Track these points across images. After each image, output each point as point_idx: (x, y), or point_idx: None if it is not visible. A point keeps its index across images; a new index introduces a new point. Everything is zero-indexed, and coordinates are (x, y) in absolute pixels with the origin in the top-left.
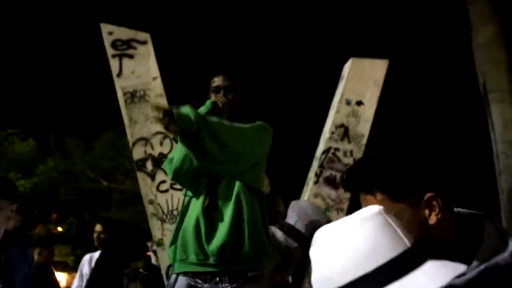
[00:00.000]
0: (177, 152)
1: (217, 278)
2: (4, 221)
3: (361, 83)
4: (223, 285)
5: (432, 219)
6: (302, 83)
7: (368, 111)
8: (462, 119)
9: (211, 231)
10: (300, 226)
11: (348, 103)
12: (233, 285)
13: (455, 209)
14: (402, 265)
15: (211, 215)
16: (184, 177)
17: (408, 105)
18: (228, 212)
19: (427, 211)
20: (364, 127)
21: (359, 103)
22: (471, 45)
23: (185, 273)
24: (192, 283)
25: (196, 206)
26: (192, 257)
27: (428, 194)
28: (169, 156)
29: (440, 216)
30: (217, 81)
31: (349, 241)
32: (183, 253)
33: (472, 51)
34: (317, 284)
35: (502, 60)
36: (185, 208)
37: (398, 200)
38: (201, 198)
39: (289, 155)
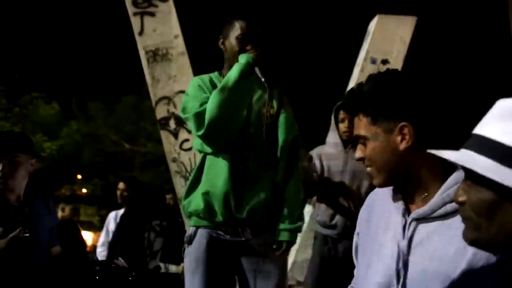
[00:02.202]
0: (215, 106)
1: (239, 229)
2: (25, 175)
3: (387, 41)
4: (245, 235)
5: (402, 145)
6: (327, 40)
7: None
8: (492, 80)
9: (243, 200)
10: None
11: (373, 61)
12: (255, 235)
13: None
14: None
15: (244, 182)
16: (219, 136)
17: (435, 64)
18: (266, 183)
19: (399, 138)
20: None
21: (385, 61)
22: (504, 1)
23: (206, 226)
24: (214, 234)
25: (221, 168)
26: (219, 218)
27: (401, 123)
28: (188, 105)
29: (410, 145)
30: (251, 29)
31: None
32: (207, 213)
33: (505, 5)
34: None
35: None
36: (202, 166)
37: (376, 123)
38: (226, 160)
39: (313, 113)
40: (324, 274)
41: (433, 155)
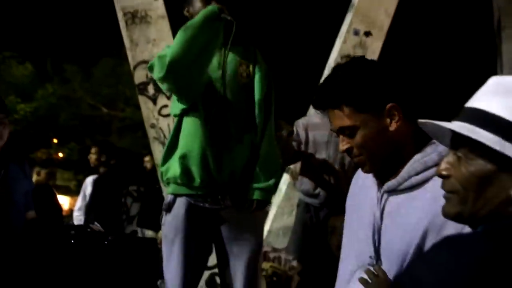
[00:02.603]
0: (176, 44)
1: (219, 196)
2: (2, 135)
3: (371, 12)
4: (225, 202)
5: (392, 126)
6: (309, 11)
7: (376, 43)
8: (473, 56)
9: (223, 161)
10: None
11: (356, 33)
12: (234, 204)
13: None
14: None
15: (223, 143)
16: (180, 75)
17: (416, 38)
18: (245, 145)
19: (388, 120)
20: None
21: (368, 33)
22: None
23: (185, 194)
24: (192, 202)
25: (197, 129)
26: (197, 182)
27: (390, 104)
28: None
29: (400, 123)
30: None
31: None
32: (184, 178)
33: None
34: None
35: None
36: (177, 130)
37: (362, 111)
38: (202, 121)
39: (295, 83)
40: (306, 240)
41: (414, 128)
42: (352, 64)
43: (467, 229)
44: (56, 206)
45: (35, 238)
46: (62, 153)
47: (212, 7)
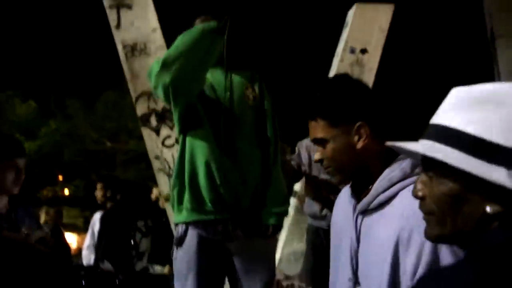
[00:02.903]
0: (172, 47)
1: (230, 228)
2: (20, 180)
3: (365, 30)
4: (237, 234)
5: (359, 144)
6: (305, 30)
7: (373, 60)
8: (469, 66)
9: (232, 181)
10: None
11: (352, 51)
12: (245, 236)
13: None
14: None
15: (230, 162)
16: (175, 73)
17: (413, 52)
18: (256, 154)
19: (356, 138)
20: (369, 76)
21: (364, 51)
22: None
23: (196, 224)
24: (203, 235)
25: (203, 149)
26: (208, 206)
27: (359, 123)
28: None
29: (367, 142)
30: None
31: None
32: (194, 202)
33: None
34: None
35: None
36: (183, 151)
37: (335, 125)
38: (207, 135)
39: (294, 104)
40: (318, 266)
41: (385, 150)
42: (333, 81)
43: (442, 247)
44: (64, 246)
45: (46, 280)
46: (68, 190)
47: (213, 22)
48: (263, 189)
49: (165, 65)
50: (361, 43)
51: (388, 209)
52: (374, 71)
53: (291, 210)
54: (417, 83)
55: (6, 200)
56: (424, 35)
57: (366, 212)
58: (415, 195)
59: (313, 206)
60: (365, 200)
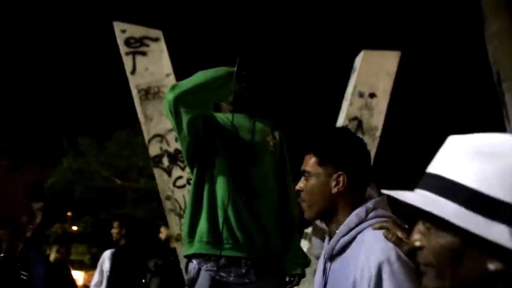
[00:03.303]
0: (189, 79)
1: (243, 270)
2: (33, 222)
3: (373, 75)
4: (249, 276)
5: (334, 190)
6: (314, 76)
7: (382, 103)
8: (477, 109)
9: (245, 219)
10: None
11: (361, 95)
12: (258, 277)
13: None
14: None
15: (244, 195)
16: (189, 95)
17: (421, 96)
18: (271, 197)
19: (334, 183)
20: (377, 120)
21: (372, 95)
22: (483, 35)
23: (207, 261)
24: (216, 277)
25: (220, 182)
26: (224, 242)
27: (340, 172)
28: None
29: (342, 191)
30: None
31: None
32: (210, 236)
33: (485, 40)
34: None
35: None
36: (199, 181)
37: (322, 164)
38: (225, 172)
39: (304, 149)
40: None
41: (355, 198)
42: (338, 129)
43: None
44: (71, 283)
45: None
46: (77, 226)
47: (230, 68)
48: (279, 234)
49: (174, 86)
50: (369, 87)
51: (348, 252)
52: (383, 115)
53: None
54: (426, 126)
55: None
56: (431, 79)
57: (332, 257)
58: (412, 244)
59: (317, 247)
60: (329, 245)
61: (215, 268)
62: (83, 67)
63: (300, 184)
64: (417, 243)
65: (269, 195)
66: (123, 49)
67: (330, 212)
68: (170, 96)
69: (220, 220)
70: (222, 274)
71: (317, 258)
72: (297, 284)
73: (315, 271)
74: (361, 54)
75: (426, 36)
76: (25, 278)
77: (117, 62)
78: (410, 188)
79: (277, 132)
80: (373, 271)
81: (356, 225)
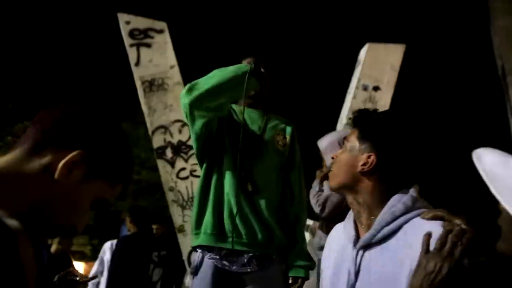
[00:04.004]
0: (206, 77)
1: (245, 260)
2: None
3: (377, 68)
4: (251, 267)
5: (359, 168)
6: (318, 69)
7: (385, 97)
8: (480, 103)
9: (247, 213)
10: None
11: (365, 88)
12: (260, 267)
13: None
14: None
15: (246, 190)
16: (206, 93)
17: (426, 89)
18: (273, 195)
19: (361, 162)
20: None
21: (376, 88)
22: (489, 28)
23: (211, 252)
24: (219, 265)
25: (225, 176)
26: (228, 235)
27: (372, 152)
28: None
29: (367, 171)
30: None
31: None
32: (216, 228)
33: (490, 34)
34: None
35: None
36: (207, 174)
37: (359, 139)
38: (231, 167)
39: (307, 142)
40: None
41: (381, 185)
42: (386, 112)
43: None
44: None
45: None
46: None
47: (246, 65)
48: (283, 232)
49: (191, 88)
50: (373, 80)
51: (392, 242)
52: (386, 108)
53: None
54: (430, 119)
55: None
56: (435, 73)
57: (367, 246)
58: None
59: (322, 240)
60: (368, 234)
61: (218, 257)
62: (86, 59)
63: (336, 153)
64: None
65: (270, 192)
66: (127, 40)
67: (351, 188)
68: (186, 100)
69: (225, 214)
70: (225, 262)
71: (321, 249)
72: (301, 286)
73: (319, 260)
74: (366, 47)
75: (431, 29)
76: None
77: (120, 54)
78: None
79: (290, 131)
80: None
81: (402, 214)
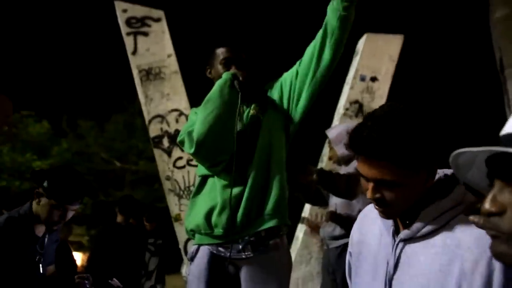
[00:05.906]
0: (199, 123)
1: (240, 246)
2: (63, 219)
3: (375, 59)
4: (246, 253)
5: (429, 183)
6: None
7: (383, 87)
8: (478, 96)
9: (242, 209)
10: None
11: (362, 79)
12: (255, 253)
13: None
14: None
15: (241, 196)
16: (208, 150)
17: (423, 81)
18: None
19: (424, 178)
20: (378, 104)
21: (374, 79)
22: (488, 20)
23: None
24: (214, 251)
25: (219, 188)
26: (219, 231)
27: (432, 166)
28: (185, 129)
29: (428, 184)
30: (233, 53)
31: None
32: (207, 228)
33: (489, 26)
34: None
35: None
36: (200, 187)
37: (402, 168)
38: (224, 180)
39: (303, 131)
40: (333, 286)
41: (431, 180)
42: (396, 117)
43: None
44: (72, 263)
45: None
46: None
47: (225, 75)
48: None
49: (200, 148)
50: (371, 71)
51: (437, 238)
52: (384, 99)
53: (299, 234)
54: (427, 110)
55: (44, 228)
56: (433, 64)
57: (409, 240)
58: (484, 211)
59: (328, 226)
60: (413, 228)
61: (214, 244)
62: (82, 48)
63: (377, 195)
64: (493, 209)
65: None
66: (124, 29)
67: (416, 202)
68: (189, 151)
69: (216, 212)
70: (220, 249)
71: (333, 238)
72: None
73: (327, 249)
74: (364, 37)
75: (429, 20)
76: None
77: (117, 43)
78: None
79: (264, 106)
80: (495, 266)
81: (449, 209)
